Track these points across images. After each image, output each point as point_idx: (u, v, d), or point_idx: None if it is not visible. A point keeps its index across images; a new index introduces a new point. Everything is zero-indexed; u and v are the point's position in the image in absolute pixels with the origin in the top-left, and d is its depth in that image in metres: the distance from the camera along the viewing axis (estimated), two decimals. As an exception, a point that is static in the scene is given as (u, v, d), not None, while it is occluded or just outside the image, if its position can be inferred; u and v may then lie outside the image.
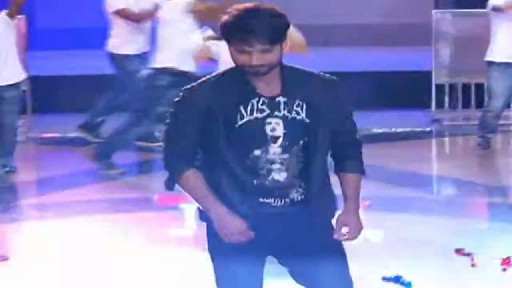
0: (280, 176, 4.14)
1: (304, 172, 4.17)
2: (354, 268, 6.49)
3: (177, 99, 4.22)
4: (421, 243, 7.22)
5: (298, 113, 4.11)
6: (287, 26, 4.05)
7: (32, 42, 12.46)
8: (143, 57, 11.00)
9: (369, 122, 9.96)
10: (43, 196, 9.43)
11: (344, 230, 4.20)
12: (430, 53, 11.45)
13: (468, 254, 6.58)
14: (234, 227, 4.10)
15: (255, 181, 4.15)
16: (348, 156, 4.30)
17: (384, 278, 6.54)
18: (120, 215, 8.37)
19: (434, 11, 12.69)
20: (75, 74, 13.38)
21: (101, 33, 11.79)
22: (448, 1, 14.92)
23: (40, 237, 8.02)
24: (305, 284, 4.42)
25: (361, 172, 4.32)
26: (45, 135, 11.48)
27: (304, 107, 4.09)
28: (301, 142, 4.13)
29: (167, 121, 4.26)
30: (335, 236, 4.16)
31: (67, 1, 15.54)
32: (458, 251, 6.65)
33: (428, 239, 6.95)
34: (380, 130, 10.96)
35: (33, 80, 11.55)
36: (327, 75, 4.26)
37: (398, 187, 9.27)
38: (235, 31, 3.97)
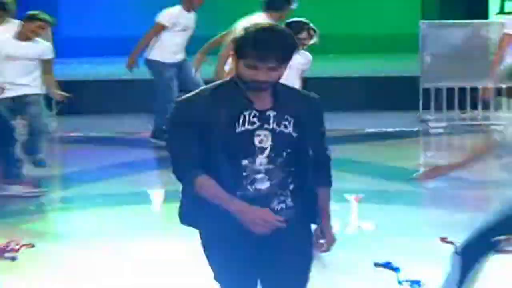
0: (262, 185, 4.02)
1: (285, 182, 4.04)
2: (349, 256, 6.83)
3: (173, 111, 4.13)
4: (409, 232, 7.23)
5: (286, 127, 3.99)
6: (296, 47, 3.99)
7: (58, 50, 12.36)
8: (178, 65, 10.94)
9: (362, 123, 9.95)
10: (69, 189, 9.43)
11: (321, 242, 4.11)
12: (418, 60, 11.42)
13: (451, 242, 6.46)
14: (260, 214, 3.92)
15: (239, 192, 4.00)
16: (320, 170, 4.15)
17: (376, 264, 6.54)
18: (142, 207, 8.37)
19: (421, 22, 12.70)
20: (97, 79, 13.37)
21: (120, 41, 11.73)
22: (433, 13, 14.96)
23: (65, 226, 8.11)
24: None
25: (330, 185, 4.22)
26: (71, 134, 11.49)
27: (292, 121, 3.98)
28: (285, 154, 4.00)
29: (168, 133, 4.17)
30: (314, 249, 4.08)
31: (90, 12, 15.44)
32: (442, 239, 6.66)
33: (415, 229, 6.95)
34: (372, 130, 10.93)
35: (59, 84, 11.57)
36: (310, 93, 4.19)
37: (388, 181, 9.26)
38: (251, 47, 3.84)
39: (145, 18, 11.83)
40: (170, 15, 10.73)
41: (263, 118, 3.94)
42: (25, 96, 9.23)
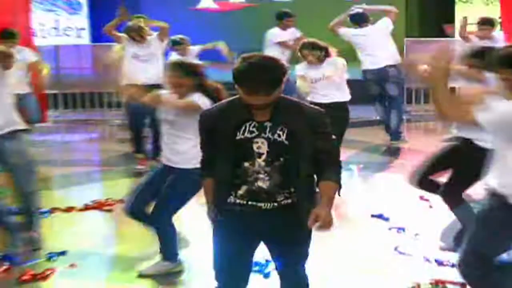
0: (264, 184, 3.79)
1: (287, 182, 3.78)
2: (351, 210, 6.93)
3: (199, 120, 3.96)
4: (397, 192, 7.28)
5: (279, 136, 3.73)
6: (284, 74, 3.66)
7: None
8: None
9: (359, 113, 9.99)
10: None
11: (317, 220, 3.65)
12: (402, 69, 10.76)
13: (427, 200, 6.71)
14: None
15: (244, 187, 3.83)
16: (326, 170, 3.79)
17: (372, 215, 6.66)
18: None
19: (405, 39, 12.79)
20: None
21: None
22: (415, 32, 14.89)
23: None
24: (275, 262, 4.10)
25: (335, 181, 3.80)
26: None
27: (286, 131, 3.72)
28: (282, 159, 3.76)
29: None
30: (309, 223, 3.64)
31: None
32: (421, 197, 6.76)
33: (402, 189, 6.91)
34: (367, 118, 10.93)
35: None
36: (313, 107, 3.87)
37: (381, 155, 9.38)
38: (242, 82, 3.61)
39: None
40: None
41: (261, 128, 3.73)
42: None
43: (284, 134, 3.69)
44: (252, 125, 3.71)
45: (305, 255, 3.97)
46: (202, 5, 15.34)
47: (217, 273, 4.00)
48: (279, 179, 3.73)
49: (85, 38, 12.10)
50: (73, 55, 12.02)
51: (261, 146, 3.72)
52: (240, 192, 3.80)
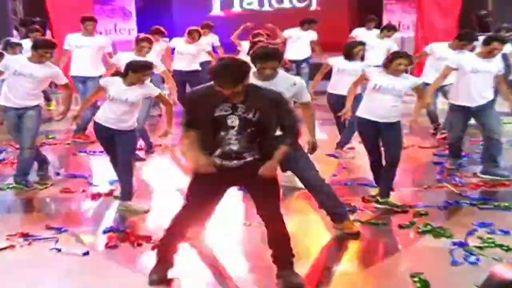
0: (234, 147, 4.17)
1: (251, 145, 4.19)
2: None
3: (186, 98, 4.50)
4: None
5: (248, 114, 4.12)
6: (247, 72, 4.06)
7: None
8: None
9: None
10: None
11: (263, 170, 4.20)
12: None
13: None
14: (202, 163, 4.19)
15: (219, 150, 4.21)
16: (285, 136, 4.30)
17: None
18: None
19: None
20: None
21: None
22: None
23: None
24: (254, 200, 4.49)
25: (288, 145, 4.30)
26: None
27: (253, 111, 4.10)
28: (249, 130, 4.14)
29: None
30: (258, 171, 4.17)
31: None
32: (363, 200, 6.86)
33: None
34: None
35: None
36: (274, 91, 4.28)
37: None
38: (214, 78, 4.04)
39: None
40: None
41: (234, 108, 4.12)
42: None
43: (251, 113, 4.12)
44: (228, 105, 4.13)
45: (272, 198, 4.36)
46: (213, 12, 17.56)
47: (189, 196, 4.46)
48: (246, 143, 4.18)
49: (133, 35, 11.96)
50: (126, 48, 12.08)
51: (233, 121, 4.13)
52: (216, 153, 4.22)
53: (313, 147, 5.74)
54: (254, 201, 4.47)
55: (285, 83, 5.39)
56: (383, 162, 6.66)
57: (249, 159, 4.22)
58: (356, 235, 5.67)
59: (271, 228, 4.40)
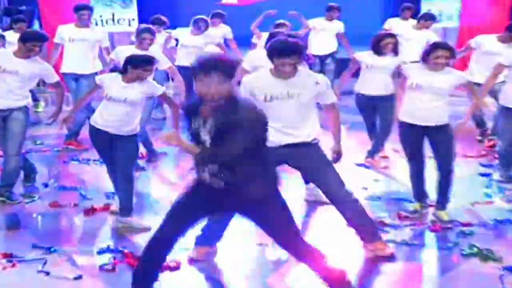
0: (211, 166, 4.32)
1: (227, 165, 4.27)
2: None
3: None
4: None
5: (217, 128, 4.22)
6: (234, 68, 4.22)
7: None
8: None
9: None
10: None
11: None
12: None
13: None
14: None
15: (203, 166, 4.38)
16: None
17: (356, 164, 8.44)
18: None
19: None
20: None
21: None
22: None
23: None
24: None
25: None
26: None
27: (219, 126, 4.20)
28: (221, 145, 4.18)
29: None
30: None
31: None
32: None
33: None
34: None
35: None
36: (250, 106, 4.28)
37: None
38: (197, 72, 4.15)
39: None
40: None
41: (204, 122, 4.25)
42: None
43: (218, 128, 4.18)
44: (200, 119, 4.28)
45: (282, 225, 4.44)
46: (224, 0, 16.53)
47: (165, 216, 4.55)
48: (221, 162, 4.24)
49: (134, 27, 12.29)
50: (126, 40, 12.99)
51: (206, 134, 4.25)
52: (202, 170, 4.36)
53: (338, 155, 5.78)
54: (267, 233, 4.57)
55: (307, 82, 5.43)
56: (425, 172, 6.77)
57: (228, 181, 4.29)
58: (389, 258, 5.70)
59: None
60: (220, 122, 4.13)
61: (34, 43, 7.14)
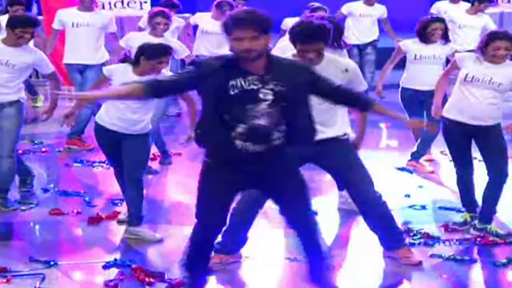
0: (262, 121, 4.47)
1: (281, 122, 4.54)
2: (377, 162, 7.62)
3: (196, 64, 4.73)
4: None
5: (278, 87, 4.46)
6: (270, 24, 4.41)
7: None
8: None
9: None
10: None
11: None
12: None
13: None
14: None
15: (242, 126, 4.49)
16: (354, 105, 4.98)
17: (396, 168, 8.24)
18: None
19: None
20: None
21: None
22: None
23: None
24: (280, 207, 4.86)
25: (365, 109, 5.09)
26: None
27: (282, 84, 4.44)
28: (281, 104, 4.47)
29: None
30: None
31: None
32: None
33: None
34: None
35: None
36: (297, 60, 4.83)
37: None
38: (233, 25, 4.37)
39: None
40: None
41: (262, 81, 4.40)
42: None
43: (279, 87, 4.41)
44: (254, 77, 4.42)
45: (302, 200, 4.75)
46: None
47: (198, 212, 4.76)
48: (276, 119, 4.43)
49: (146, 11, 12.36)
50: (135, 25, 12.35)
51: (267, 94, 4.41)
52: (238, 131, 4.45)
53: (356, 146, 5.90)
54: (280, 208, 4.84)
55: (334, 69, 5.43)
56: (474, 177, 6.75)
57: (276, 142, 4.49)
58: (417, 265, 5.76)
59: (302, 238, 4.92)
60: (286, 76, 4.39)
61: (23, 29, 7.11)
